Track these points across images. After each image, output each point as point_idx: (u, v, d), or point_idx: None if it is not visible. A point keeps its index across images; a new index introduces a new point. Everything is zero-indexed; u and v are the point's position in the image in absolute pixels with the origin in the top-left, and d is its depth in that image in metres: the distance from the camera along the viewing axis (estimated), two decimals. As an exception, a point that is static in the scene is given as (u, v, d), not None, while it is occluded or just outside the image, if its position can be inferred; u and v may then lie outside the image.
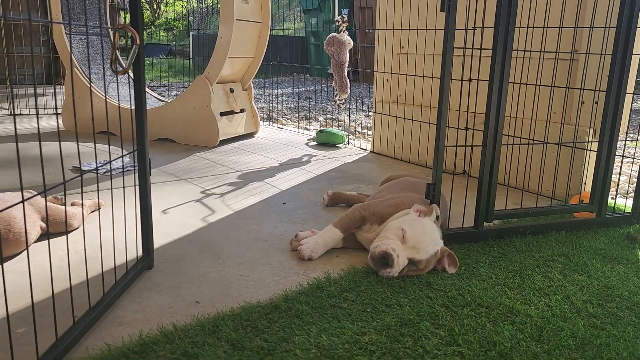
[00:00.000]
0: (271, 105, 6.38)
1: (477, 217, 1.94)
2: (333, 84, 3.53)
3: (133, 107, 1.53)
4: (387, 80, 3.44)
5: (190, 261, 1.72)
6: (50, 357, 1.12)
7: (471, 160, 2.76)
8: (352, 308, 1.42)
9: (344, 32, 3.41)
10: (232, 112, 3.75)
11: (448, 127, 1.86)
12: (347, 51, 3.44)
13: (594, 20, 2.15)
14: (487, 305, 1.46)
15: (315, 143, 3.85)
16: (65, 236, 1.85)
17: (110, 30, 4.10)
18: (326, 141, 3.79)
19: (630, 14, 1.91)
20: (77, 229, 1.93)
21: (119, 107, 1.46)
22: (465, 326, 1.34)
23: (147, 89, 3.69)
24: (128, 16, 1.46)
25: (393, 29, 3.30)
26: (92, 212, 2.12)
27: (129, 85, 3.99)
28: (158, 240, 1.86)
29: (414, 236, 1.62)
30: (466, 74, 2.02)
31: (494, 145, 1.90)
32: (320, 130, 3.86)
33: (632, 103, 2.39)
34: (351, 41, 3.45)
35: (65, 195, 1.27)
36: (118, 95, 1.67)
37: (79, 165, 2.11)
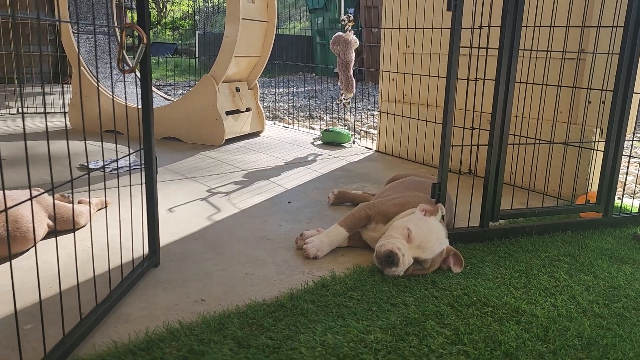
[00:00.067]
0: (277, 104, 6.39)
1: (482, 216, 1.94)
2: (339, 83, 3.53)
3: (140, 106, 1.53)
4: (393, 79, 3.44)
5: (196, 259, 1.72)
6: (57, 353, 1.12)
7: (477, 159, 2.75)
8: (358, 307, 1.42)
9: (349, 31, 3.41)
10: (237, 111, 3.76)
11: (454, 126, 1.85)
12: (353, 50, 3.44)
13: (601, 19, 2.14)
14: (493, 304, 1.46)
15: (320, 142, 3.86)
16: (72, 234, 1.86)
17: (117, 29, 4.12)
18: (332, 140, 3.79)
19: (638, 12, 1.90)
20: (84, 226, 1.94)
21: (126, 106, 1.46)
22: (471, 325, 1.34)
23: (153, 88, 3.71)
24: (135, 15, 1.46)
25: (399, 28, 3.30)
26: (99, 210, 2.13)
27: (136, 84, 4.01)
28: (164, 238, 1.87)
29: (419, 235, 1.62)
30: (472, 73, 2.01)
31: (500, 144, 1.89)
32: (325, 130, 3.87)
33: (639, 103, 2.38)
34: (357, 40, 3.44)
35: (72, 193, 1.28)
36: (125, 94, 1.68)
37: (86, 164, 2.12)
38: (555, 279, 1.64)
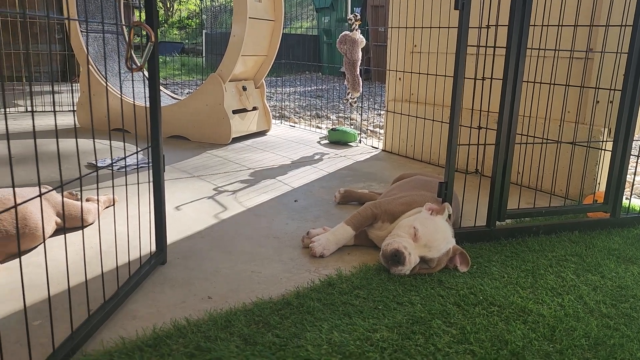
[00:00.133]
0: (283, 103, 6.40)
1: (489, 216, 1.93)
2: (345, 83, 3.53)
3: (147, 105, 1.54)
4: (400, 78, 3.44)
5: (203, 257, 1.73)
6: (65, 349, 1.13)
7: (484, 159, 2.74)
8: (364, 305, 1.42)
9: (356, 30, 3.40)
10: (244, 110, 3.76)
11: (461, 125, 1.85)
12: (360, 49, 3.44)
13: (609, 18, 2.13)
14: (499, 304, 1.46)
15: (327, 141, 3.86)
16: (80, 231, 1.88)
17: (125, 27, 4.14)
18: (338, 139, 3.79)
19: (647, 12, 1.89)
20: (92, 224, 1.96)
21: (134, 104, 1.47)
22: (477, 325, 1.34)
23: (160, 87, 3.72)
24: (142, 14, 1.47)
25: (406, 28, 3.29)
26: (107, 207, 2.14)
27: (144, 83, 4.03)
28: (171, 236, 1.88)
29: (425, 234, 1.62)
30: (479, 72, 2.01)
31: (507, 144, 1.89)
32: (332, 129, 3.87)
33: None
34: (364, 39, 3.44)
35: (81, 190, 1.29)
36: (133, 93, 1.69)
37: (94, 162, 2.13)
38: (563, 279, 1.63)
